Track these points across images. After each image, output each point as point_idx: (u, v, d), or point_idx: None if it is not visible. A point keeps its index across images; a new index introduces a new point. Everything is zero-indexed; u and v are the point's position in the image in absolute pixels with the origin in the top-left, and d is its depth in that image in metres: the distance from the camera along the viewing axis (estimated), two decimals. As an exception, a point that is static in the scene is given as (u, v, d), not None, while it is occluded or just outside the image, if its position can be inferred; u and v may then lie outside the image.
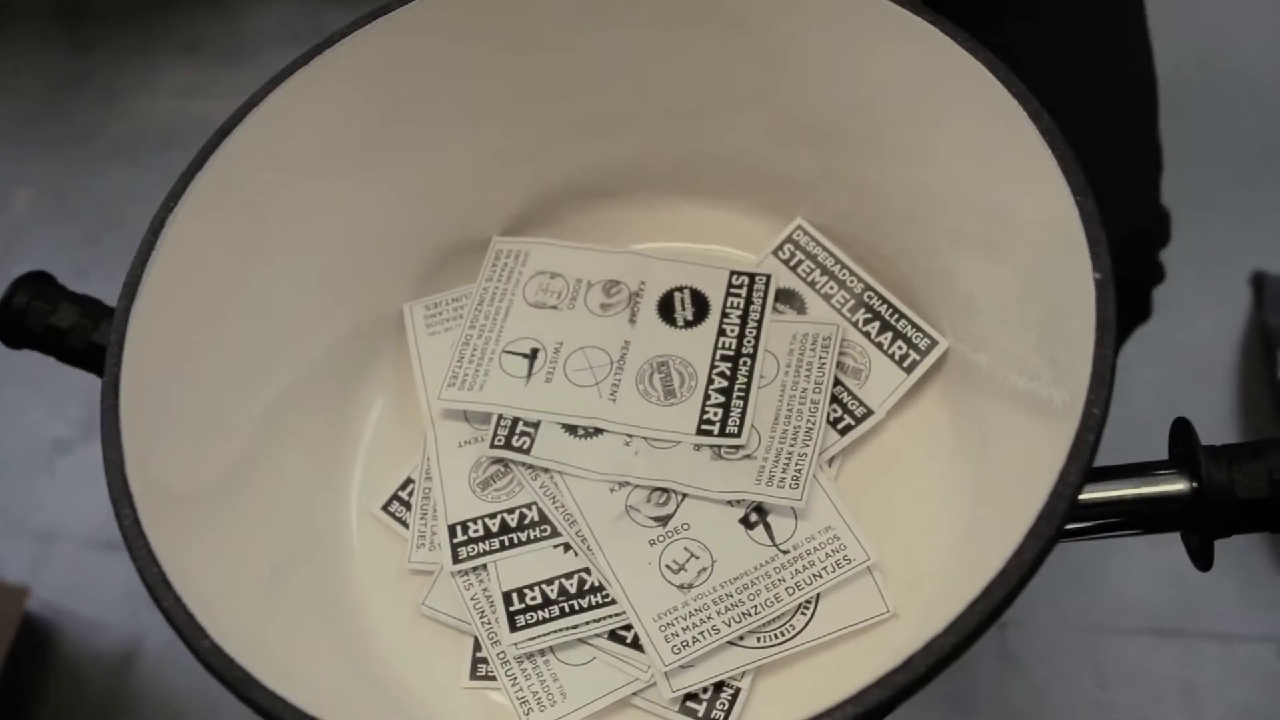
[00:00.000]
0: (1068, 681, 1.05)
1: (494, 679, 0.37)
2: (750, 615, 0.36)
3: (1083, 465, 0.28)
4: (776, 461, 0.39)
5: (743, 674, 0.36)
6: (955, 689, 1.04)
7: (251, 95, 0.38)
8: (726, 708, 0.36)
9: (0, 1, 1.72)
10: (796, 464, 0.39)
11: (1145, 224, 0.63)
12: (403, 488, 0.41)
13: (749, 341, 0.42)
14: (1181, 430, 0.35)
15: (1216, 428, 1.19)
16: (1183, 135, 1.30)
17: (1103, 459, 0.30)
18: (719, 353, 0.41)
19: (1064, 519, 0.27)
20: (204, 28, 1.67)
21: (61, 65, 1.67)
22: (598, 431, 0.40)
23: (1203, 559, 0.35)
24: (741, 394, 0.40)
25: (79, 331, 0.42)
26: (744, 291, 0.43)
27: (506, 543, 0.39)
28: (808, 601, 0.37)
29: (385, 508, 0.41)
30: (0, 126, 1.62)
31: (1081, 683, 1.05)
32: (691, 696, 0.36)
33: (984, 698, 1.04)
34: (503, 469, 0.40)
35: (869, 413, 0.40)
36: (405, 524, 0.40)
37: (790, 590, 0.37)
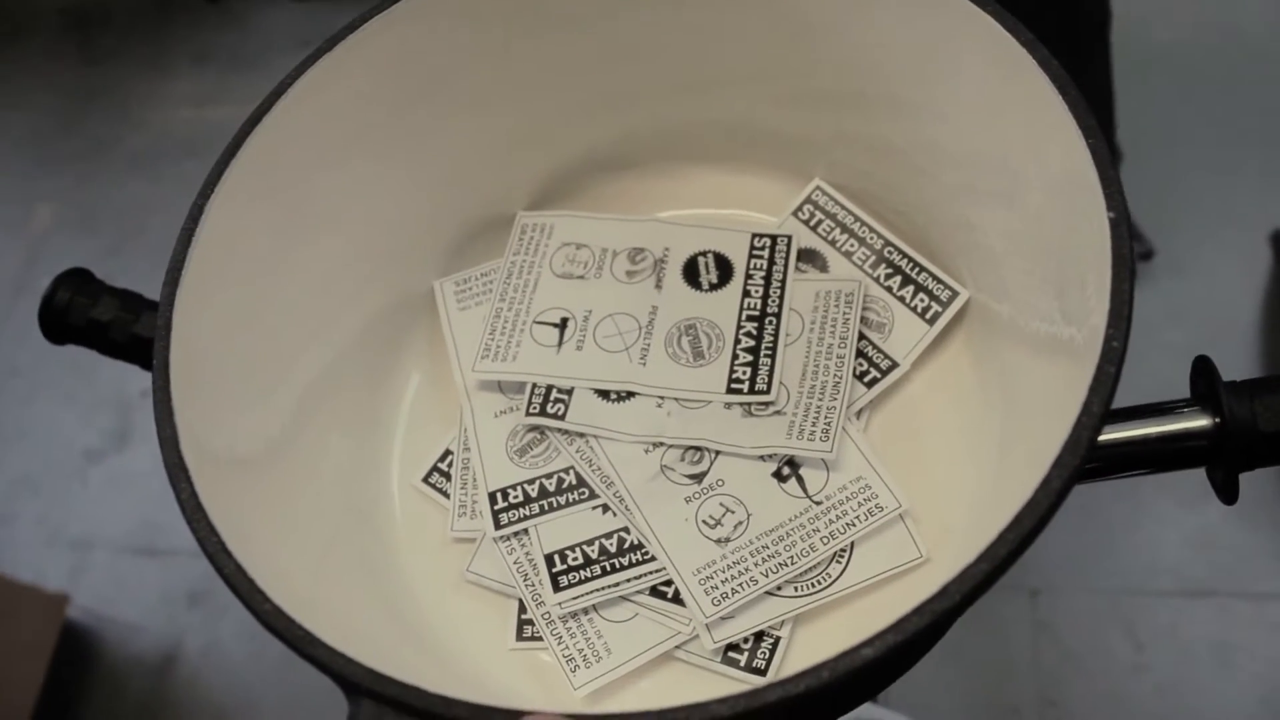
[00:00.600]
0: (1102, 646, 1.05)
1: (540, 639, 0.38)
2: (787, 565, 0.37)
3: (1104, 397, 0.28)
4: (806, 416, 0.40)
5: (782, 623, 0.37)
6: (991, 658, 1.04)
7: (277, 84, 0.39)
8: (768, 656, 0.37)
9: (10, 18, 1.74)
10: (825, 417, 0.39)
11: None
12: (442, 459, 0.42)
13: (773, 301, 0.42)
14: (1203, 368, 0.36)
15: (1240, 385, 1.18)
16: (1199, 98, 1.31)
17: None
18: (745, 313, 0.42)
19: (1088, 449, 0.28)
20: (213, 36, 1.69)
21: (74, 79, 1.69)
22: (630, 395, 0.41)
23: (1227, 493, 0.35)
24: (769, 352, 0.41)
25: (120, 324, 0.43)
26: (766, 253, 0.44)
27: (546, 506, 0.40)
28: (842, 550, 0.38)
29: (426, 479, 0.42)
30: (18, 142, 1.64)
31: (1116, 646, 1.05)
32: (733, 647, 0.37)
33: (1020, 666, 1.04)
34: (539, 436, 0.41)
35: (894, 365, 0.41)
36: (446, 494, 0.41)
37: (825, 540, 0.38)
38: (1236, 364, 1.13)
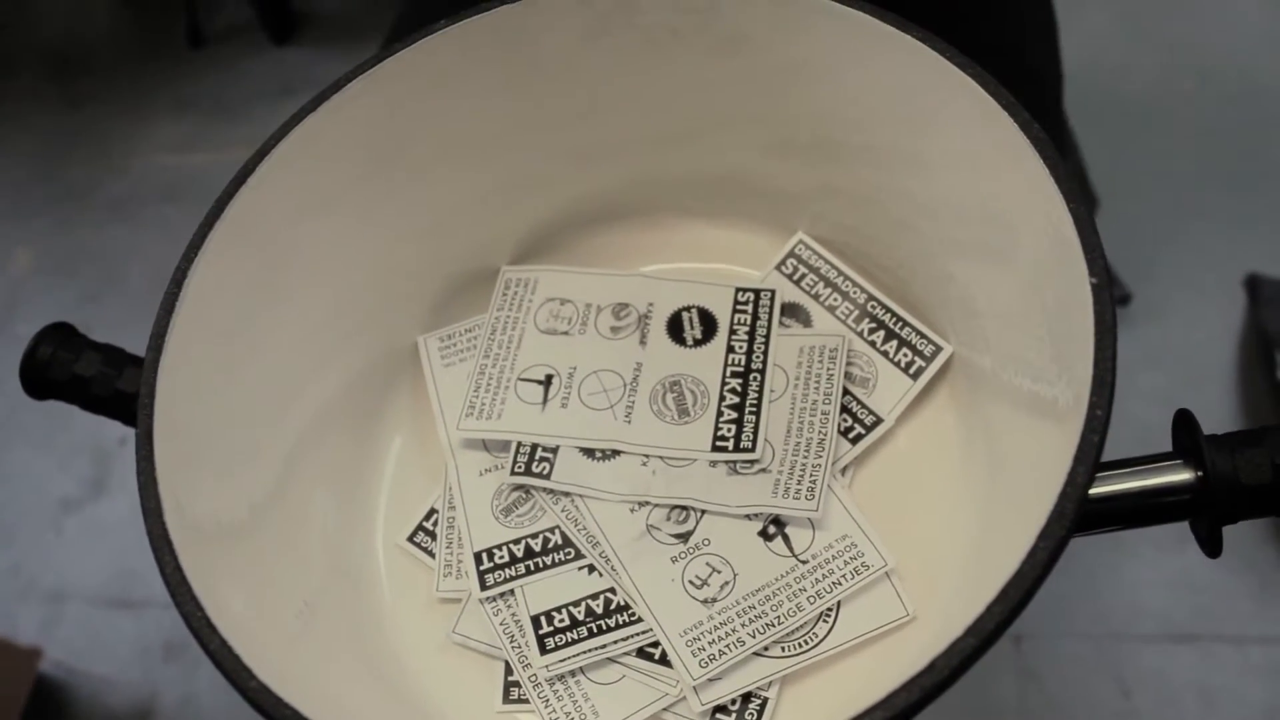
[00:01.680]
0: (1088, 692, 1.05)
1: (527, 702, 0.38)
2: (774, 626, 0.37)
3: (1089, 465, 0.29)
4: (791, 473, 0.40)
5: (769, 683, 0.37)
6: (976, 706, 1.04)
7: (262, 144, 0.39)
8: (756, 717, 0.36)
9: (-7, 63, 1.73)
10: (811, 475, 0.39)
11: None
12: (427, 518, 0.42)
13: (758, 357, 0.42)
14: (1184, 421, 0.36)
15: (1219, 430, 1.19)
16: (1171, 141, 1.33)
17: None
18: (729, 369, 0.42)
19: (1074, 518, 0.28)
20: (195, 82, 1.69)
21: (56, 123, 1.69)
22: (615, 453, 0.41)
23: (1212, 546, 0.35)
24: (753, 409, 0.41)
25: (103, 380, 0.43)
26: (750, 308, 0.44)
27: (532, 567, 0.39)
28: (829, 609, 0.38)
29: (411, 539, 0.42)
30: (-3, 186, 1.63)
31: (1101, 692, 1.05)
32: (721, 708, 0.37)
33: (1006, 714, 1.04)
34: (524, 495, 0.41)
35: (879, 420, 0.41)
36: (431, 554, 0.41)
37: (811, 599, 0.38)
38: (1214, 408, 1.14)
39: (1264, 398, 1.12)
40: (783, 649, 0.37)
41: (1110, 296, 0.31)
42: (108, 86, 1.72)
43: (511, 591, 0.39)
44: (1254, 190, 1.28)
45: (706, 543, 0.39)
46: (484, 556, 0.40)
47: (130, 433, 0.33)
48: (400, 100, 0.41)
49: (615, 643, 0.38)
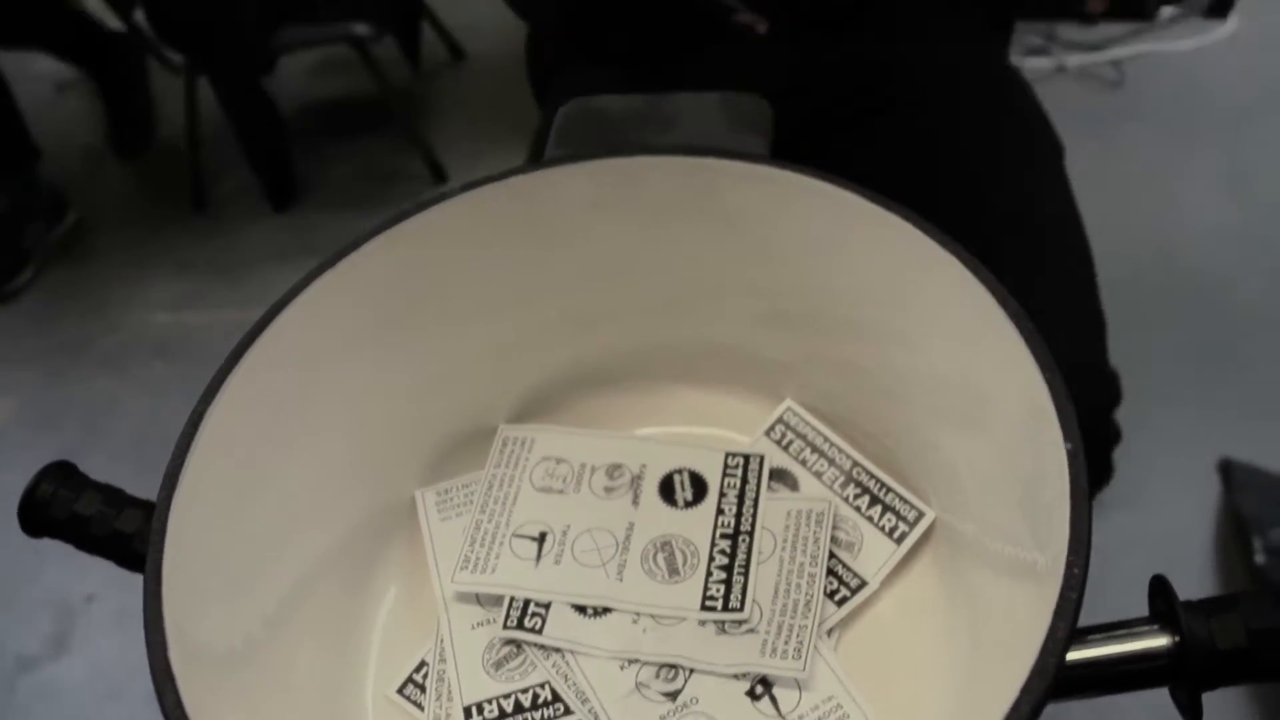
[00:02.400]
0: None
1: None
2: (762, 787, 0.37)
3: (1068, 621, 0.30)
4: (779, 634, 0.40)
5: None
6: None
7: (282, 295, 0.41)
8: None
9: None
10: (798, 636, 0.40)
11: (1098, 388, 0.67)
12: (417, 670, 0.42)
13: (746, 519, 0.44)
14: (1160, 587, 0.37)
15: (1195, 610, 1.19)
16: (1140, 328, 1.38)
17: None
18: (719, 531, 0.44)
19: (1055, 674, 0.29)
20: (196, 244, 1.74)
21: (57, 277, 1.72)
22: (606, 610, 0.42)
23: (1193, 712, 0.36)
24: (742, 570, 0.42)
25: (101, 519, 0.43)
26: (740, 472, 0.45)
27: (520, 722, 0.40)
28: (817, 772, 0.38)
29: (400, 691, 0.42)
30: (-8, 337, 1.65)
31: None
32: None
33: None
34: (515, 649, 0.41)
35: (863, 584, 0.42)
36: (420, 707, 0.41)
37: (799, 761, 0.38)
38: (1193, 593, 1.14)
39: (1242, 582, 1.13)
40: (770, 812, 0.37)
41: (1083, 463, 0.32)
42: (113, 243, 1.76)
43: (499, 747, 0.39)
44: (1219, 377, 1.33)
45: (695, 701, 0.39)
46: (473, 710, 0.40)
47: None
48: (413, 260, 0.43)
49: (602, 802, 0.37)
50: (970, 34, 0.77)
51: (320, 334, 0.42)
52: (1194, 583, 1.16)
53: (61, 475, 0.45)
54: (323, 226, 1.72)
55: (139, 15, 1.63)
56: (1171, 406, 1.29)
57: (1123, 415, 1.29)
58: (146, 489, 0.40)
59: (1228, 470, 1.21)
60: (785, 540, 0.43)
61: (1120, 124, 1.75)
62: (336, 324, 0.42)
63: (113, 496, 0.45)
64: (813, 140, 0.66)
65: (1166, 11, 1.93)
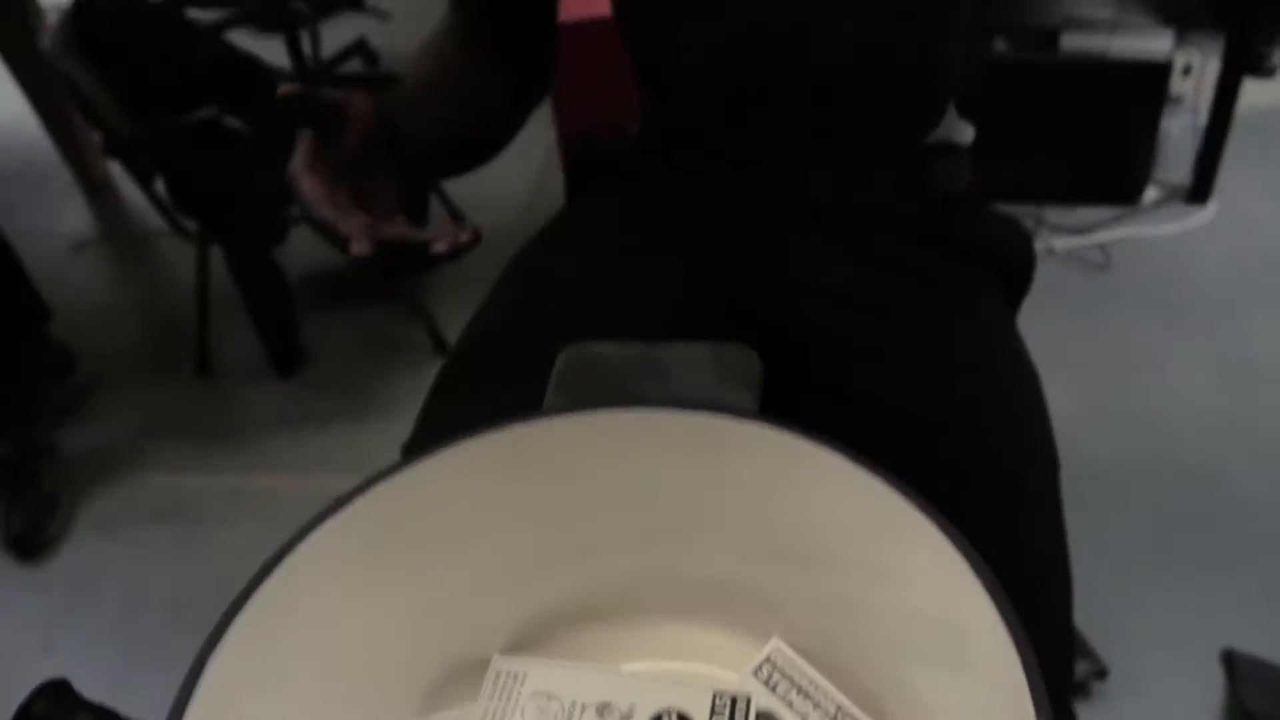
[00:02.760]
0: None
1: None
2: None
3: None
4: None
5: None
6: None
7: (285, 543, 0.43)
8: None
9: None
10: None
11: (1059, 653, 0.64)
12: None
13: (733, 763, 0.44)
14: None
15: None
16: (1137, 517, 1.38)
17: None
18: (706, 774, 0.44)
19: None
20: (197, 407, 1.77)
21: (60, 435, 1.74)
22: None
23: None
24: (728, 816, 0.42)
25: (93, 748, 0.44)
26: (726, 713, 0.46)
27: None
28: None
29: None
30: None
31: None
32: None
33: None
34: None
35: (849, 835, 0.42)
36: None
37: None
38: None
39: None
40: None
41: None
42: (116, 403, 1.78)
43: None
44: (1218, 567, 1.33)
45: None
46: None
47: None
48: (413, 507, 0.46)
49: None
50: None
51: (320, 582, 0.44)
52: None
53: (55, 694, 0.46)
54: (325, 395, 1.75)
55: (159, 185, 1.69)
56: (1171, 595, 1.29)
57: (1124, 602, 1.29)
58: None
59: (1231, 662, 1.20)
60: (771, 785, 0.44)
61: (1108, 306, 1.80)
62: (336, 573, 0.44)
63: (105, 717, 0.46)
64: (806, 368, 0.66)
65: (1149, 194, 2.02)
